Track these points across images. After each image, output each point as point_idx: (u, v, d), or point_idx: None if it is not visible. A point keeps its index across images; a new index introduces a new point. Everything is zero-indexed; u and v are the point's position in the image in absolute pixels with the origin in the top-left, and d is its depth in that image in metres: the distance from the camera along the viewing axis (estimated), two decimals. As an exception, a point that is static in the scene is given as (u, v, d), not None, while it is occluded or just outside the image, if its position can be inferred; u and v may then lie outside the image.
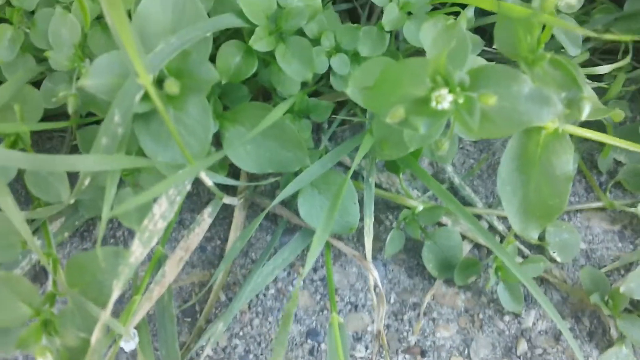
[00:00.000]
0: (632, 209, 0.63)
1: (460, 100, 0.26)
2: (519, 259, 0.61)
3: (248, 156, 0.52)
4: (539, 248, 0.62)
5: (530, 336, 0.59)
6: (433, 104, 0.25)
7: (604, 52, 0.72)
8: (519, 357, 0.58)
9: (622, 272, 0.62)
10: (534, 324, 0.60)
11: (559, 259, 0.61)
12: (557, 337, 0.59)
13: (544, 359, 0.58)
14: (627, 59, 0.63)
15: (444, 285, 0.62)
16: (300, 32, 0.55)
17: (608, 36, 0.58)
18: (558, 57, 0.38)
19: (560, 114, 0.39)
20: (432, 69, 0.27)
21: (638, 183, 0.65)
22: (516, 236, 0.63)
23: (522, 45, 0.38)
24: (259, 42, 0.51)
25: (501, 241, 0.62)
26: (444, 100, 0.25)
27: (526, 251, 0.62)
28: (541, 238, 0.61)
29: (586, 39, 0.68)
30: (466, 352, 0.58)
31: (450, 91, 0.26)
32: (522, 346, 0.59)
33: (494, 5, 0.51)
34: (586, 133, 0.54)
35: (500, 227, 0.63)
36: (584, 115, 0.40)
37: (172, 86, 0.44)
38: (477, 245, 0.63)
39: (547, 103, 0.27)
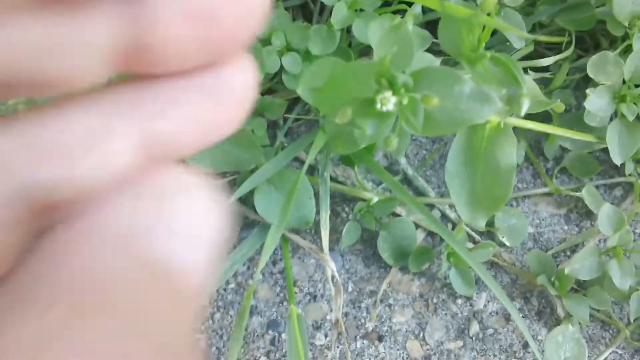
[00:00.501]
0: (577, 194, 0.66)
1: (405, 102, 0.27)
2: (470, 245, 0.64)
3: (203, 156, 0.53)
4: (489, 233, 0.65)
5: (482, 317, 0.62)
6: (378, 105, 0.26)
7: (550, 43, 0.74)
8: (472, 338, 0.61)
9: (568, 253, 0.65)
10: (485, 305, 0.63)
11: (508, 243, 0.64)
12: (507, 317, 0.62)
13: (495, 339, 0.61)
14: (571, 49, 0.66)
15: (400, 272, 0.64)
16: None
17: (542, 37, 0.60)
18: (498, 55, 0.39)
19: (499, 111, 0.42)
20: (377, 72, 0.28)
21: (583, 168, 0.68)
22: (467, 223, 0.66)
23: (464, 44, 0.40)
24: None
25: (453, 228, 0.65)
26: (389, 102, 0.26)
27: (477, 237, 0.65)
28: (491, 224, 0.64)
29: (531, 30, 0.70)
30: (421, 335, 0.61)
31: (394, 93, 0.27)
32: (474, 327, 0.62)
33: (438, 5, 0.53)
34: (529, 124, 0.57)
35: (452, 215, 0.66)
36: (523, 111, 0.42)
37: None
38: (430, 233, 0.66)
39: (488, 101, 0.28)
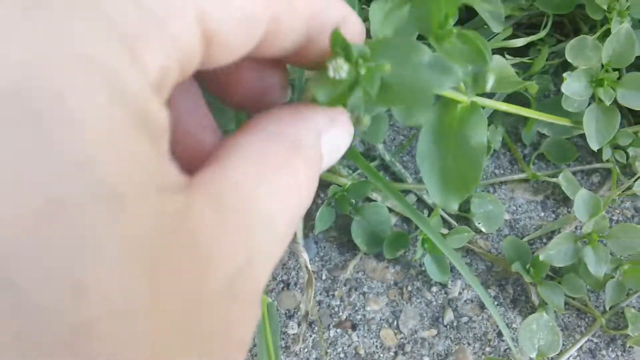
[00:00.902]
0: (554, 180, 0.65)
1: (362, 72, 0.26)
2: (446, 231, 0.63)
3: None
4: (465, 220, 0.64)
5: (457, 305, 0.61)
6: (331, 73, 0.25)
7: (529, 27, 0.73)
8: (446, 326, 0.61)
9: (544, 240, 0.64)
10: (460, 293, 0.62)
11: (484, 230, 0.63)
12: (482, 305, 0.62)
13: (470, 327, 0.61)
14: (545, 32, 0.65)
15: (374, 259, 0.63)
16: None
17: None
18: (465, 32, 0.38)
19: (459, 82, 0.41)
20: (332, 40, 0.28)
21: (560, 154, 0.67)
22: (441, 206, 0.65)
23: (433, 22, 0.39)
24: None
25: (429, 214, 0.64)
26: (341, 69, 0.25)
27: (453, 222, 0.64)
28: (467, 210, 0.63)
29: (510, 15, 0.69)
30: (395, 323, 0.60)
31: (347, 61, 0.27)
32: (449, 315, 0.61)
33: None
34: (504, 107, 0.56)
35: (429, 200, 0.65)
36: (489, 87, 0.41)
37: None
38: (405, 219, 0.65)
39: (447, 71, 0.27)
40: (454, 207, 0.45)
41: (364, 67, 0.25)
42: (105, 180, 0.14)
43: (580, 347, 0.61)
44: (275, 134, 0.22)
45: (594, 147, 0.60)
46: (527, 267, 0.60)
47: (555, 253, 0.58)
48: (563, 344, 0.61)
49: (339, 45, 0.25)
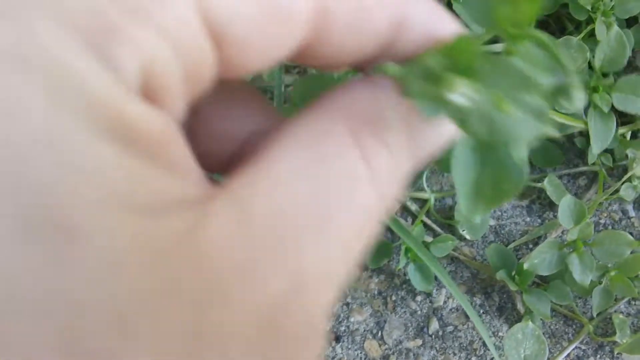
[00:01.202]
0: (540, 184, 0.64)
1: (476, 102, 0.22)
2: (431, 238, 0.62)
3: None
4: (450, 227, 0.63)
5: (442, 314, 0.61)
6: (446, 93, 0.20)
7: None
8: (431, 336, 0.60)
9: (530, 246, 0.63)
10: (445, 302, 0.61)
11: (468, 237, 0.62)
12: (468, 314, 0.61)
13: (455, 336, 0.60)
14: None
15: (358, 269, 0.62)
16: None
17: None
18: (541, 35, 0.33)
19: (543, 136, 0.35)
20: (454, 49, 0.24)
21: (546, 158, 0.66)
22: (427, 215, 0.64)
23: (500, 15, 0.31)
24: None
25: (413, 221, 0.63)
26: (462, 93, 0.21)
27: (438, 230, 0.63)
28: (451, 217, 0.62)
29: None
30: (379, 334, 0.59)
31: (466, 78, 0.23)
32: (434, 325, 0.60)
33: None
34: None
35: (413, 207, 0.64)
36: (578, 105, 0.33)
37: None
38: (389, 228, 0.64)
39: (543, 121, 0.21)
40: (477, 219, 0.43)
41: (480, 96, 0.21)
42: (51, 208, 0.12)
43: (568, 355, 0.61)
44: (338, 109, 0.18)
45: (596, 151, 0.58)
46: (513, 274, 0.59)
47: (539, 262, 0.57)
48: (550, 352, 0.61)
49: (464, 58, 0.20)
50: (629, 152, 0.64)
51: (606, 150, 0.65)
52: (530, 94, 0.21)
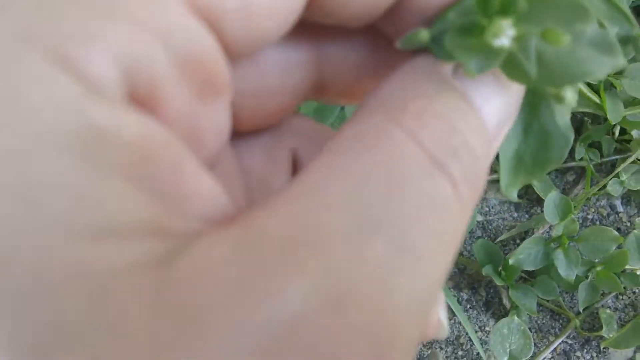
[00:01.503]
0: (528, 179, 0.64)
1: (516, 34, 0.18)
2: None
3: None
4: (438, 223, 0.63)
5: (429, 310, 0.61)
6: (489, 37, 0.18)
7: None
8: (418, 331, 0.60)
9: (518, 241, 0.64)
10: (432, 298, 0.61)
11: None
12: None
13: (442, 332, 0.60)
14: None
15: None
16: None
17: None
18: None
19: (619, 68, 0.31)
20: None
21: (534, 152, 0.66)
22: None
23: None
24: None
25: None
26: (503, 34, 0.18)
27: (426, 226, 0.63)
28: (439, 213, 0.62)
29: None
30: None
31: (506, 17, 0.19)
32: (421, 320, 0.60)
33: None
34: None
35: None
36: None
37: None
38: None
39: (611, 52, 0.19)
40: (514, 194, 0.40)
41: (519, 28, 0.19)
42: None
43: (555, 349, 0.61)
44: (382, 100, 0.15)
45: (614, 121, 0.57)
46: (499, 269, 0.60)
47: (525, 257, 0.57)
48: (537, 346, 0.61)
49: None
50: (635, 132, 0.63)
51: (593, 146, 0.65)
52: (589, 25, 0.19)
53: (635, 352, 0.60)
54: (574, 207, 0.61)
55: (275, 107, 0.19)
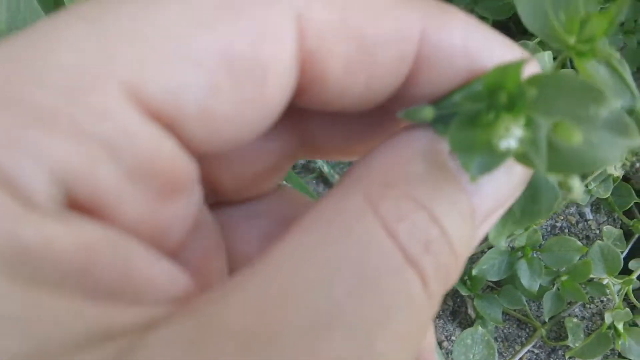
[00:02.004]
0: (496, 188, 0.64)
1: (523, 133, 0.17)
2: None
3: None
4: (405, 232, 0.63)
5: (396, 319, 0.61)
6: (495, 140, 0.16)
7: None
8: (384, 341, 0.60)
9: (486, 250, 0.64)
10: (398, 307, 0.61)
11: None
12: (422, 318, 0.61)
13: (408, 341, 0.60)
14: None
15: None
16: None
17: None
18: (611, 52, 0.26)
19: (634, 149, 0.26)
20: (492, 81, 0.18)
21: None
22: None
23: (560, 27, 0.24)
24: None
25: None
26: (511, 136, 0.16)
27: (394, 235, 0.63)
28: (406, 222, 0.63)
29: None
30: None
31: (512, 116, 0.18)
32: (387, 330, 0.60)
33: None
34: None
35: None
36: None
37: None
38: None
39: (626, 132, 0.18)
40: (503, 243, 0.40)
41: (533, 128, 0.17)
42: None
43: (521, 359, 0.61)
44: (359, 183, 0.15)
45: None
46: (465, 279, 0.60)
47: (488, 267, 0.57)
48: (503, 355, 0.61)
49: (510, 88, 0.17)
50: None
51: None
52: (604, 108, 0.18)
53: (601, 361, 0.61)
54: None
55: (260, 171, 0.19)
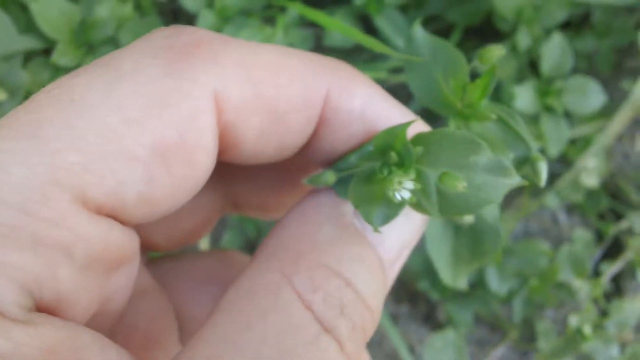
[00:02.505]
0: (470, 192, 0.65)
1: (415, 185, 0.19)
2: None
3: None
4: (379, 237, 0.64)
5: (368, 323, 0.62)
6: (390, 193, 0.18)
7: (439, 32, 0.73)
8: (356, 345, 0.61)
9: (459, 254, 0.64)
10: (371, 311, 0.62)
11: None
12: (395, 322, 0.62)
13: (380, 345, 0.61)
14: (454, 41, 0.64)
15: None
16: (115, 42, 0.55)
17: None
18: (500, 112, 0.27)
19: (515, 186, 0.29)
20: (383, 142, 0.21)
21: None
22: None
23: (446, 95, 0.27)
24: (63, 57, 0.52)
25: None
26: (404, 189, 0.18)
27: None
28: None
29: (424, 24, 0.68)
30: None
31: (403, 169, 0.20)
32: (360, 334, 0.61)
33: (313, 14, 0.50)
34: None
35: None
36: (543, 180, 0.28)
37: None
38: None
39: (505, 173, 0.21)
40: (463, 284, 0.41)
41: (422, 179, 0.20)
42: None
43: (493, 361, 0.62)
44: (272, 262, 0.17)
45: (554, 153, 0.58)
46: (436, 284, 0.61)
47: (457, 272, 0.58)
48: (476, 358, 0.62)
49: (398, 149, 0.19)
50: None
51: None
52: (482, 156, 0.21)
53: (572, 363, 0.61)
54: (516, 219, 0.62)
55: (191, 227, 0.21)
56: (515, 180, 0.21)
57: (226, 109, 0.16)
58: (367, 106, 0.19)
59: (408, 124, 0.18)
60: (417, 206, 0.20)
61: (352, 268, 0.17)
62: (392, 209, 0.19)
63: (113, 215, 0.16)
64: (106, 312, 0.18)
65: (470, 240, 0.39)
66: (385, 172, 0.19)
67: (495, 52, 0.23)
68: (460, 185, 0.19)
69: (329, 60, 0.18)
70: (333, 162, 0.20)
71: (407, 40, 0.27)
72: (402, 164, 0.19)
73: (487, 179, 0.21)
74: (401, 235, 0.19)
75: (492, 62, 0.23)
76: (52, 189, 0.14)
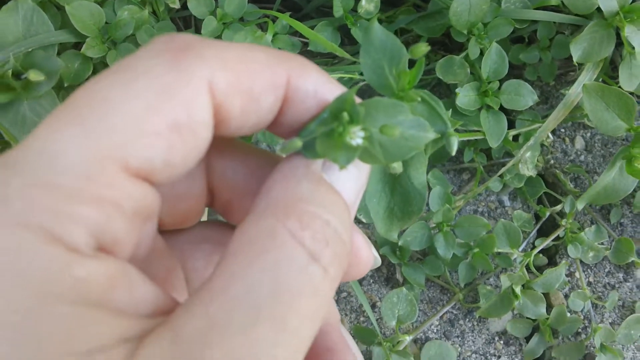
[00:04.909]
0: (428, 176, 0.76)
1: (365, 134, 0.25)
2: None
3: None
4: (350, 212, 0.76)
5: (340, 284, 0.73)
6: (348, 139, 0.24)
7: (407, 44, 0.84)
8: (327, 300, 0.73)
9: (417, 228, 0.76)
10: (341, 273, 0.74)
11: (364, 220, 0.75)
12: (360, 282, 0.74)
13: (348, 300, 0.73)
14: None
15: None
16: (134, 41, 0.67)
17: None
18: (425, 96, 0.35)
19: (432, 139, 0.33)
20: (337, 106, 0.26)
21: (436, 155, 0.79)
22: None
23: (389, 83, 0.34)
24: (91, 50, 0.64)
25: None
26: (357, 137, 0.24)
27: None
28: (351, 203, 0.75)
29: (395, 34, 0.80)
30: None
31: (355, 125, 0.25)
32: (331, 291, 0.73)
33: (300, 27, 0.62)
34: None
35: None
36: (454, 150, 0.36)
37: (35, 75, 0.56)
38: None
39: (425, 128, 0.27)
40: (395, 236, 0.50)
41: (368, 129, 0.25)
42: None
43: (441, 317, 0.73)
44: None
45: (493, 145, 0.69)
46: (396, 250, 0.72)
47: (411, 239, 0.69)
48: (427, 315, 0.73)
49: (348, 109, 0.24)
50: (515, 152, 0.76)
51: (484, 151, 0.77)
52: (406, 115, 0.26)
53: (508, 322, 0.73)
54: (465, 200, 0.74)
55: (187, 208, 0.26)
56: (431, 135, 0.27)
57: (216, 93, 0.21)
58: (318, 86, 0.24)
59: (354, 89, 0.24)
60: (365, 155, 0.25)
61: (330, 211, 0.21)
62: (351, 152, 0.24)
63: (146, 178, 0.20)
64: (136, 256, 0.23)
65: (402, 200, 0.48)
66: (341, 128, 0.23)
67: (421, 48, 0.29)
68: (396, 132, 0.24)
69: (287, 53, 0.24)
70: (297, 132, 0.25)
71: (364, 32, 0.33)
72: (352, 121, 0.24)
73: (411, 132, 0.26)
74: (357, 182, 0.24)
75: (421, 56, 0.29)
76: (106, 161, 0.19)
